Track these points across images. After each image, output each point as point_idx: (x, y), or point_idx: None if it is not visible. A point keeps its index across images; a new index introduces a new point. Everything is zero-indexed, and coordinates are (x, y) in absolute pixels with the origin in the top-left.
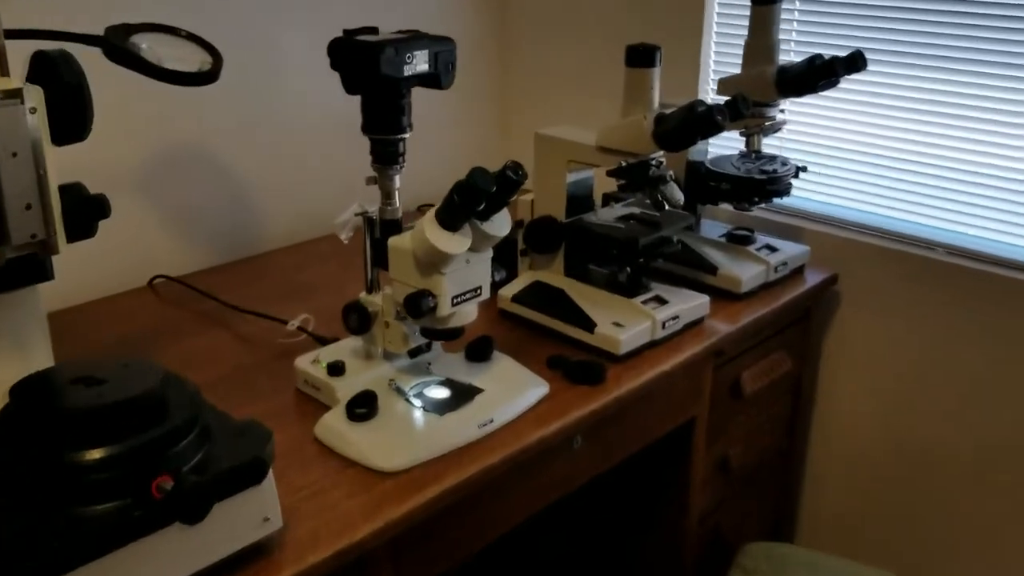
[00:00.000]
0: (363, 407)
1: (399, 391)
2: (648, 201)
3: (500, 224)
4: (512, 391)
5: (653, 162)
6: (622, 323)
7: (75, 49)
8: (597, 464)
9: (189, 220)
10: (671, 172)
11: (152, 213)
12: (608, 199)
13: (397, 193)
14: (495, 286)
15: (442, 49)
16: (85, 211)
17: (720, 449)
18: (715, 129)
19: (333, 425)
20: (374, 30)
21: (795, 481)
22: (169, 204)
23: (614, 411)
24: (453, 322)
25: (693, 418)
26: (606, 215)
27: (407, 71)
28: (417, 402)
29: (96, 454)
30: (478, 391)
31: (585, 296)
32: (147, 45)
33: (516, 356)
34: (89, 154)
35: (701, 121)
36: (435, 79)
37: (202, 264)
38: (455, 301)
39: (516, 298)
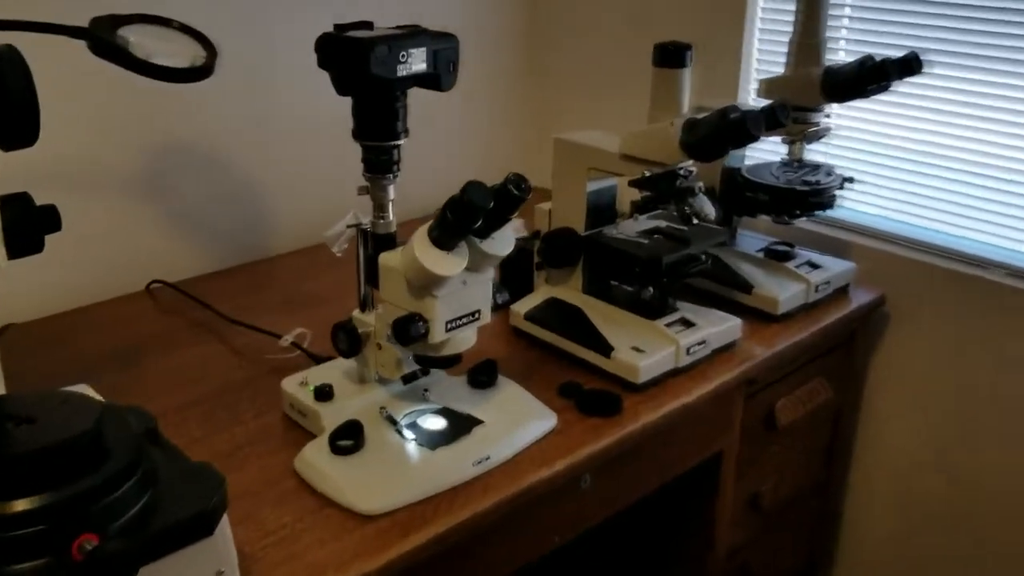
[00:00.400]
0: (347, 439)
1: (390, 420)
2: (677, 213)
3: (502, 243)
4: (515, 423)
5: (681, 172)
6: (642, 348)
7: (61, 42)
8: (609, 505)
9: (192, 222)
10: (701, 184)
11: (152, 214)
12: (637, 209)
13: (391, 205)
14: (497, 308)
15: (442, 47)
16: (31, 224)
17: (751, 484)
18: (748, 139)
19: (313, 459)
20: (368, 25)
21: (833, 516)
22: (171, 205)
23: (629, 447)
24: (448, 349)
25: (720, 452)
26: (629, 228)
27: (401, 71)
28: (409, 434)
29: (14, 507)
30: (477, 423)
31: (604, 316)
32: (135, 39)
33: (526, 381)
34: (84, 151)
35: (733, 130)
36: (434, 80)
37: (205, 268)
38: (449, 326)
39: (530, 316)
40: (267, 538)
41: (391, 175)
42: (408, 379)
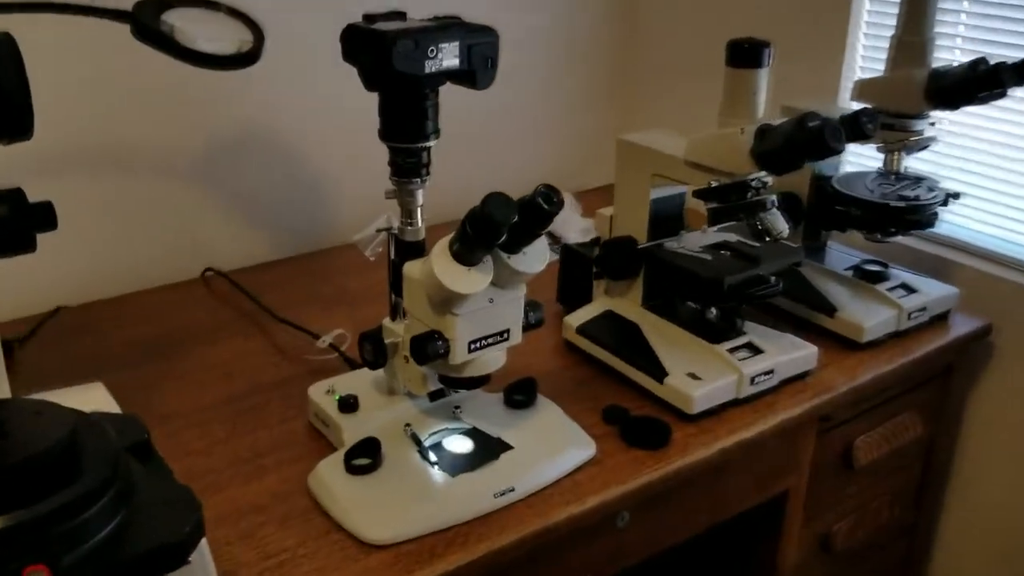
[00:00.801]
0: (364, 457)
1: (415, 440)
2: (748, 228)
3: (534, 259)
4: (548, 451)
5: (753, 183)
6: (700, 375)
7: (104, 26)
8: (650, 545)
9: (252, 210)
10: (774, 197)
11: (213, 200)
12: (709, 220)
13: (420, 211)
14: (529, 328)
15: (478, 41)
16: (22, 221)
17: (822, 525)
18: (826, 152)
19: (326, 476)
20: (401, 15)
21: (920, 562)
22: (232, 191)
23: (675, 484)
24: (471, 370)
25: (786, 491)
26: (694, 242)
27: (430, 67)
28: (432, 456)
29: None
30: (506, 448)
31: (662, 336)
32: (180, 23)
33: (570, 401)
34: (146, 133)
35: (809, 142)
36: (469, 76)
37: (263, 256)
38: (473, 347)
39: (583, 329)
40: (266, 561)
41: (419, 179)
42: (437, 395)
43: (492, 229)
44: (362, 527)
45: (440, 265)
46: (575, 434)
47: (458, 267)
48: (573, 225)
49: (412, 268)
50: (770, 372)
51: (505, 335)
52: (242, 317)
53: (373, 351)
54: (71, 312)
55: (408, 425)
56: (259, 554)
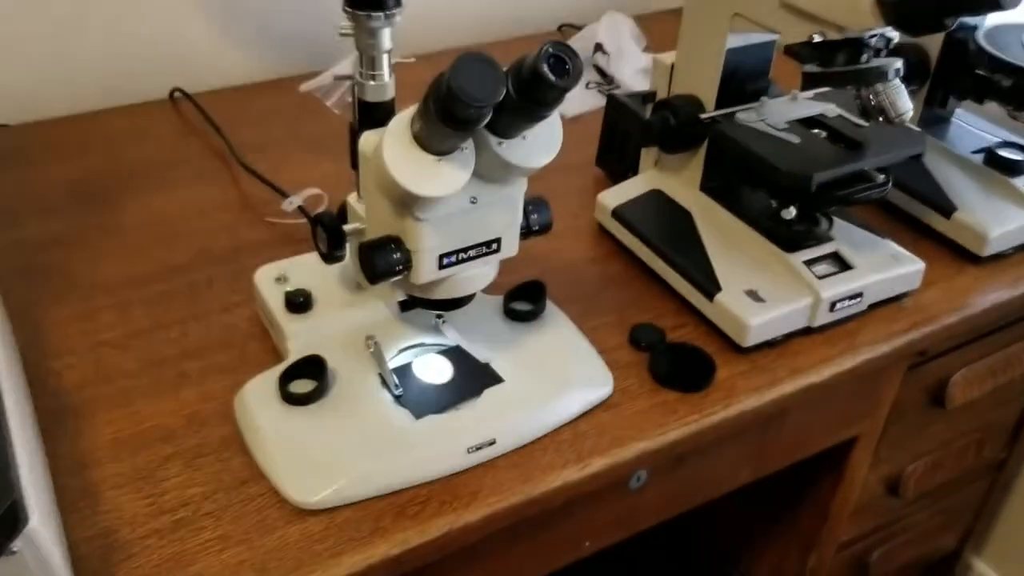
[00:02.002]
0: (305, 379)
1: (377, 357)
2: (858, 102)
3: (537, 148)
4: (549, 386)
5: (871, 42)
6: (762, 294)
7: None
8: (669, 508)
9: (238, 14)
10: (899, 64)
11: (194, 8)
12: (813, 83)
13: (387, 59)
14: (531, 234)
15: None
16: None
17: (892, 468)
18: (989, 4)
19: (252, 403)
20: None
21: (998, 502)
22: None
23: (712, 440)
24: (443, 291)
25: (855, 438)
26: (779, 112)
27: None
28: (395, 385)
29: None
30: (494, 380)
31: (721, 233)
32: None
33: (590, 311)
34: None
35: None
36: None
37: (249, 76)
38: (446, 262)
39: (621, 212)
40: (156, 520)
41: (383, 13)
42: (406, 305)
43: (462, 112)
44: (288, 481)
45: (394, 152)
46: (588, 363)
47: (421, 156)
48: (631, 62)
49: (368, 142)
50: (858, 296)
51: (493, 246)
52: (206, 154)
53: (328, 241)
54: (8, 133)
55: (371, 337)
56: (151, 507)
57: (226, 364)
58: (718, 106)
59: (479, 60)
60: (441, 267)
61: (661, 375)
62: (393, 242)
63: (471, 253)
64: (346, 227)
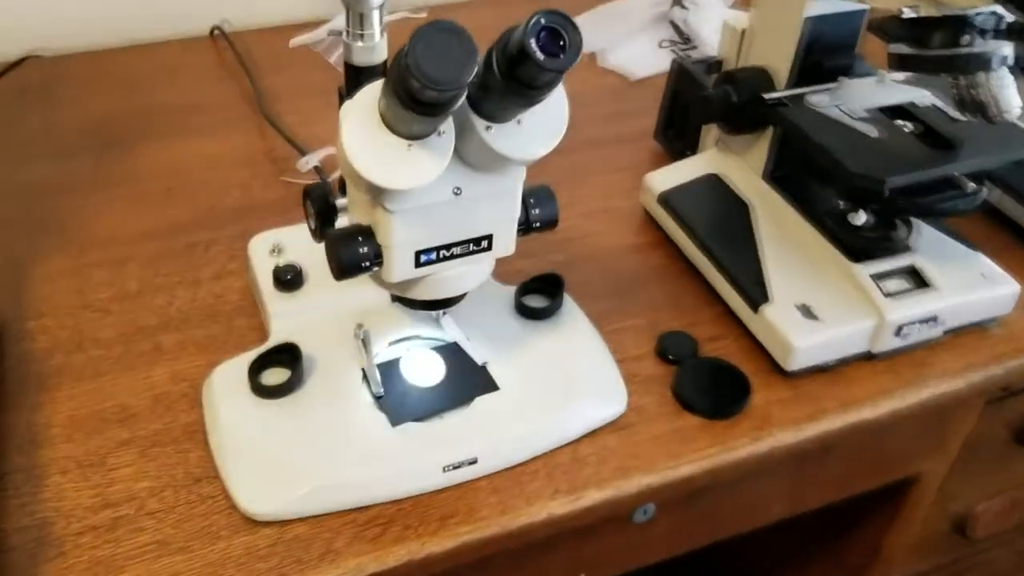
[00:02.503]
0: (277, 373)
1: (364, 348)
2: (955, 92)
3: (533, 134)
4: (550, 399)
5: (975, 21)
6: (817, 309)
7: None
8: (681, 543)
9: None
10: (1008, 50)
11: None
12: (897, 64)
13: (377, 15)
14: (531, 230)
15: None
16: None
17: (960, 506)
18: None
19: (218, 391)
20: None
21: None
22: None
23: (735, 477)
24: (423, 291)
25: (917, 475)
26: (860, 96)
27: None
28: (377, 382)
29: None
30: (489, 387)
31: (781, 231)
32: None
33: (617, 310)
34: None
35: None
36: None
37: (302, 15)
38: (424, 259)
39: (669, 198)
40: (95, 515)
41: None
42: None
43: (423, 95)
44: (240, 486)
45: (356, 134)
46: (602, 374)
47: (388, 139)
48: (713, 19)
49: (349, 111)
50: (932, 320)
51: (483, 244)
52: (236, 101)
53: (317, 217)
54: (40, 64)
55: (361, 325)
56: (95, 499)
57: (207, 340)
58: (791, 83)
59: (445, 31)
60: (419, 264)
61: (684, 395)
62: (362, 234)
63: (455, 251)
64: (340, 202)
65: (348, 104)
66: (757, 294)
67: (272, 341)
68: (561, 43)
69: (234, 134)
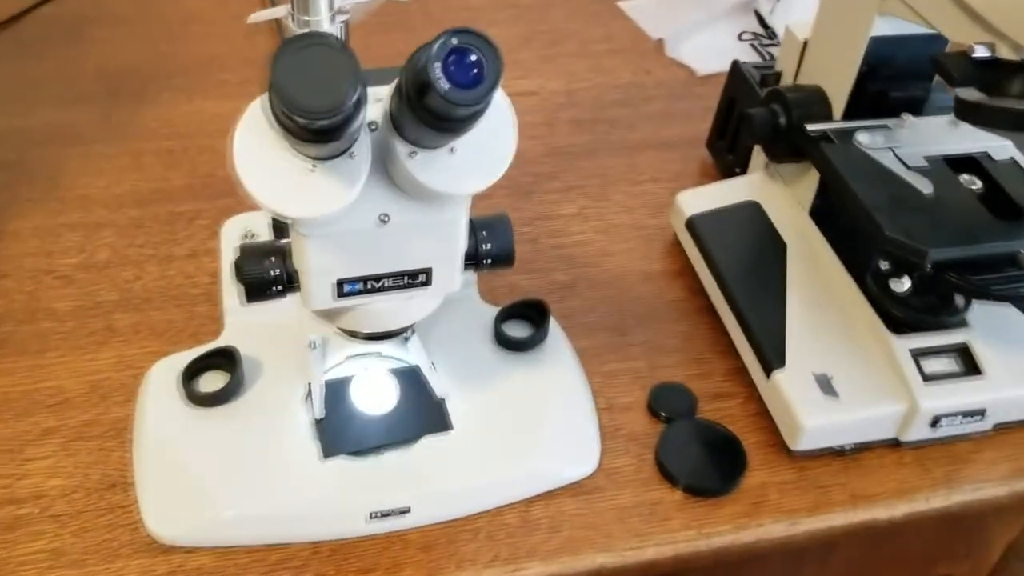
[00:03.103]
0: (215, 378)
1: (313, 363)
2: None
3: (465, 167)
4: (508, 447)
5: None
6: (838, 383)
7: None
8: None
9: None
10: None
11: None
12: (964, 111)
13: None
14: (485, 266)
15: None
16: None
17: None
18: None
19: (151, 391)
20: None
21: None
22: None
23: (708, 565)
24: (353, 323)
25: None
26: (923, 139)
27: None
28: (317, 405)
29: None
30: (440, 426)
31: (815, 281)
32: None
33: (613, 349)
34: None
35: None
36: None
37: None
38: (348, 289)
39: (698, 223)
40: (1, 509)
41: None
42: None
43: (292, 122)
44: (150, 502)
45: (251, 149)
46: (577, 424)
47: (289, 158)
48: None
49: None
50: (978, 413)
51: (420, 278)
52: (262, 61)
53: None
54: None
55: (316, 339)
56: (2, 491)
57: (164, 326)
58: (847, 112)
59: (316, 45)
60: (342, 295)
61: (667, 462)
62: (275, 253)
63: (387, 283)
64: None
65: (247, 111)
66: (772, 354)
67: (220, 340)
68: (473, 71)
69: (253, 98)
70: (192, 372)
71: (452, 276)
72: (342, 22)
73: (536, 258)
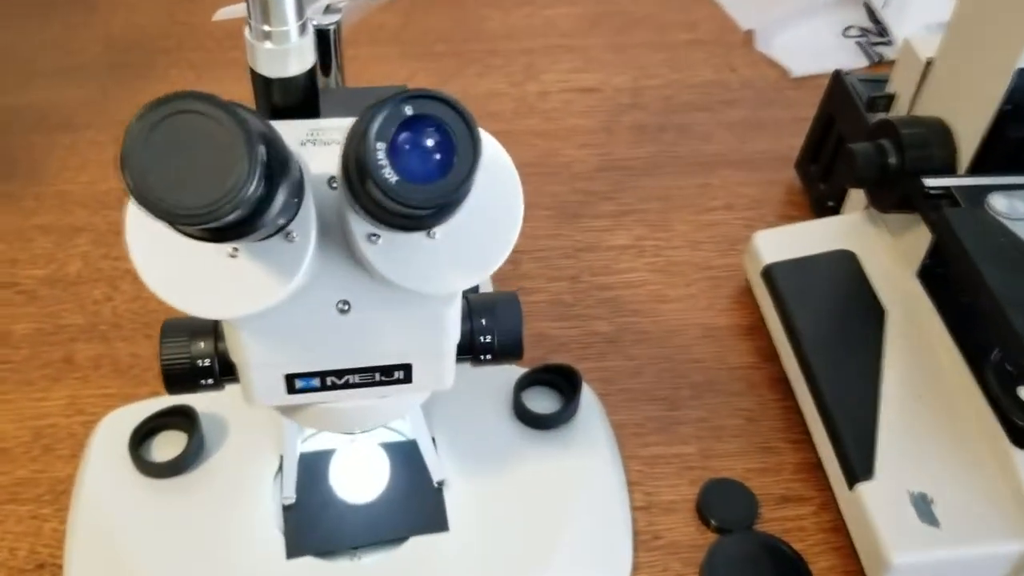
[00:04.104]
0: (172, 441)
1: (288, 433)
2: None
3: (446, 259)
4: (514, 559)
5: None
6: (940, 508)
7: None
8: None
9: None
10: None
11: None
12: None
13: (291, 5)
14: (486, 360)
15: None
16: None
17: None
18: None
19: (97, 453)
20: None
21: None
22: None
23: None
24: (314, 420)
25: None
26: None
27: None
28: (291, 481)
29: None
30: (434, 525)
31: (921, 364)
32: None
33: (662, 427)
34: None
35: None
36: None
37: None
38: (302, 384)
39: (775, 273)
40: None
41: None
42: None
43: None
44: None
45: (145, 227)
46: (607, 527)
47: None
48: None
49: None
50: None
51: (396, 375)
52: None
53: None
54: None
55: None
56: None
57: (130, 361)
58: (976, 162)
59: (186, 115)
60: (294, 391)
61: None
62: (204, 337)
63: (352, 379)
64: None
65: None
66: (858, 458)
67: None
68: (440, 153)
69: None
70: (145, 432)
71: (440, 373)
72: (333, 24)
73: (576, 301)
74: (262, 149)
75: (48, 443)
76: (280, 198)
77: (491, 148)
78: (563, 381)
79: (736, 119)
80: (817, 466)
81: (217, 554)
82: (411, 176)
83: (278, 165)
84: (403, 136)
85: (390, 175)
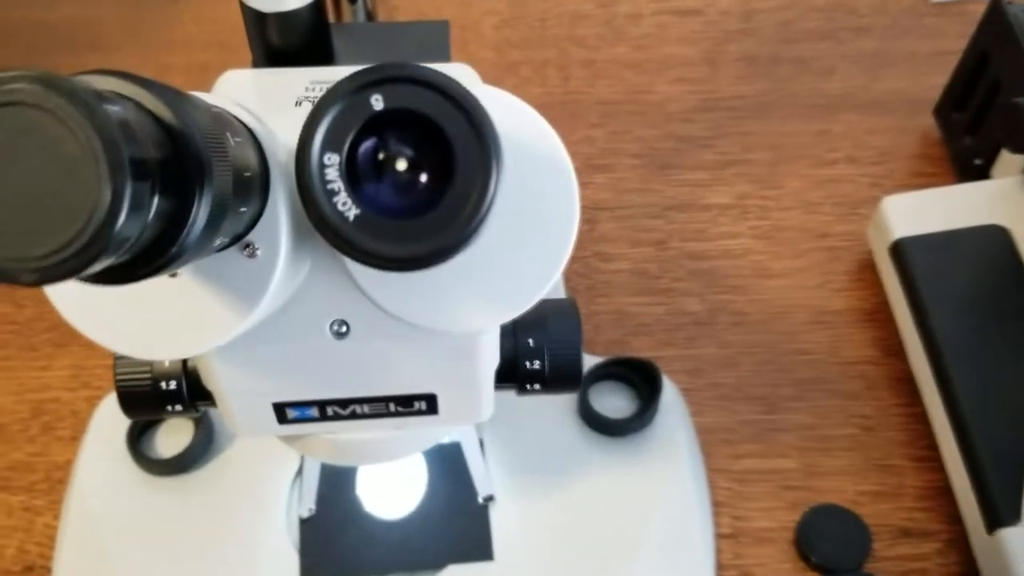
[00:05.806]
0: (179, 433)
1: None
2: None
3: (465, 291)
4: None
5: None
6: None
7: None
8: None
9: None
10: None
11: None
12: None
13: None
14: (533, 389)
15: None
16: None
17: None
18: None
19: (94, 441)
20: None
21: None
22: None
23: None
24: (320, 452)
25: None
26: None
27: None
28: (311, 492)
29: None
30: (476, 551)
31: None
32: None
33: (760, 434)
34: None
35: None
36: None
37: None
38: (295, 415)
39: (907, 249)
40: None
41: None
42: None
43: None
44: None
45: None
46: (680, 561)
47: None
48: None
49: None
50: None
51: (419, 405)
52: None
53: None
54: None
55: None
56: None
57: None
58: None
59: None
60: (285, 421)
61: None
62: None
63: (360, 410)
64: None
65: None
66: (1002, 498)
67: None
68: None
69: None
70: (142, 426)
71: (474, 403)
72: None
73: (662, 272)
74: (145, 159)
75: (49, 420)
76: (201, 214)
77: (531, 126)
78: (640, 378)
79: (865, 51)
80: (945, 491)
81: (221, 571)
82: (382, 208)
83: (193, 171)
84: (367, 145)
85: (346, 207)
